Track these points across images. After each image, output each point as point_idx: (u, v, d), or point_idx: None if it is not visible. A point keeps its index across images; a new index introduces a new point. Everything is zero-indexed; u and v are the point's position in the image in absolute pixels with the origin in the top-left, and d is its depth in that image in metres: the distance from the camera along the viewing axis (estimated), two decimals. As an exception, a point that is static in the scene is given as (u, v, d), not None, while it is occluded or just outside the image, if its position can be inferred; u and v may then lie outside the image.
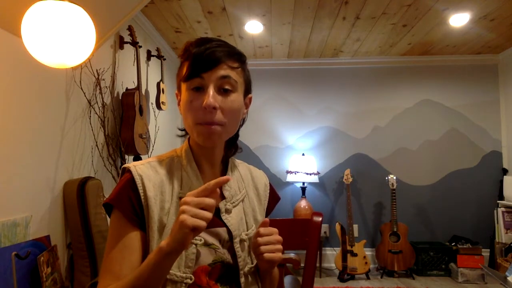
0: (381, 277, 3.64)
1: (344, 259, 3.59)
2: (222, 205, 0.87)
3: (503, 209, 3.63)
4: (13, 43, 1.57)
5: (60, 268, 1.78)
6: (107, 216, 0.89)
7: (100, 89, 2.29)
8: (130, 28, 2.59)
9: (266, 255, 0.80)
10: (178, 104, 0.89)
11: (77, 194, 1.90)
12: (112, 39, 2.53)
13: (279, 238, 0.85)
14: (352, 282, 3.51)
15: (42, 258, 1.60)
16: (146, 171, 0.82)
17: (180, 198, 0.81)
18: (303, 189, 3.86)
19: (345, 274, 3.56)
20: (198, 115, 0.80)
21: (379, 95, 4.15)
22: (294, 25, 3.22)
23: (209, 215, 0.69)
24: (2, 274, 1.41)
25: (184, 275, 0.77)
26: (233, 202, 0.89)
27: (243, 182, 0.96)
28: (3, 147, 1.54)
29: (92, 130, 2.24)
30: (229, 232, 0.86)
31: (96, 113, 2.27)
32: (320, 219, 1.28)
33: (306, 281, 1.22)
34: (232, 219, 0.87)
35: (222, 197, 0.89)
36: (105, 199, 0.82)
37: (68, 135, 2.01)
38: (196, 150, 0.89)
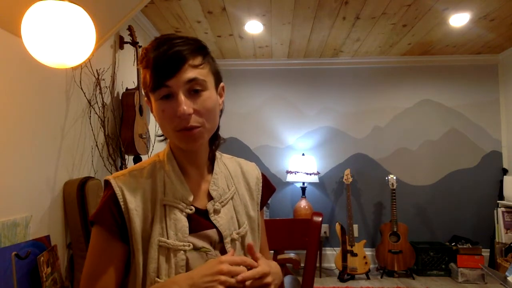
0: (381, 277, 3.64)
1: (344, 259, 3.59)
2: (210, 206, 0.86)
3: (503, 209, 3.63)
4: (13, 43, 1.57)
5: (60, 268, 1.78)
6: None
7: (100, 89, 2.29)
8: (130, 28, 2.59)
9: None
10: (151, 111, 0.85)
11: (77, 194, 1.90)
12: (112, 39, 2.53)
13: (268, 280, 0.81)
14: (352, 282, 3.51)
15: (42, 258, 1.60)
16: (127, 181, 0.81)
17: (164, 205, 0.80)
18: (303, 189, 3.86)
19: (345, 274, 3.56)
20: (174, 123, 0.77)
21: (379, 95, 4.15)
22: (294, 25, 3.22)
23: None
24: (2, 274, 1.41)
25: None
26: (222, 202, 0.87)
27: (232, 178, 0.94)
28: (3, 147, 1.54)
29: (92, 130, 2.24)
30: (220, 232, 0.84)
31: (96, 113, 2.27)
32: (320, 219, 1.28)
33: (306, 281, 1.22)
34: (221, 219, 0.85)
35: (210, 197, 0.87)
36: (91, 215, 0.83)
37: (68, 135, 2.01)
38: (179, 153, 0.87)
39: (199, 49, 0.81)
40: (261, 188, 0.99)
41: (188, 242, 0.79)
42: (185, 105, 0.76)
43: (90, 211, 1.89)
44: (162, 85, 0.76)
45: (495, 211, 3.70)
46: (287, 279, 1.87)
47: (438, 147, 4.07)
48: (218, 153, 0.95)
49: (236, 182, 0.94)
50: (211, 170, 0.91)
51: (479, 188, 3.98)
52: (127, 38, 2.64)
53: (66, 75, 2.00)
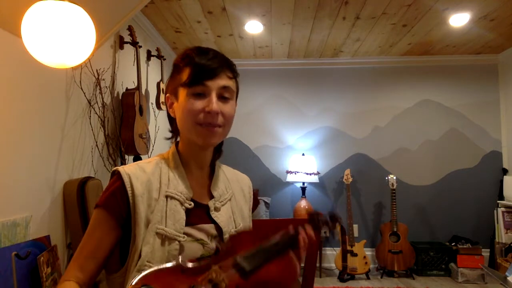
0: (381, 277, 3.64)
1: (344, 259, 3.59)
2: (211, 203, 0.92)
3: (503, 209, 3.63)
4: (13, 43, 1.57)
5: (60, 268, 1.78)
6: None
7: (100, 89, 2.29)
8: (130, 28, 2.59)
9: (301, 244, 0.84)
10: (170, 107, 0.94)
11: (77, 194, 1.90)
12: (112, 39, 2.53)
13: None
14: (352, 282, 3.51)
15: (42, 258, 1.60)
16: (134, 171, 0.87)
17: (167, 196, 0.86)
18: (303, 189, 3.86)
19: (345, 274, 3.56)
20: (198, 117, 0.86)
21: (379, 95, 4.15)
22: (294, 25, 3.22)
23: None
24: (2, 274, 1.41)
25: None
26: (222, 201, 0.95)
27: (230, 183, 1.02)
28: (3, 147, 1.54)
29: (92, 130, 2.24)
30: (218, 228, 0.90)
31: (96, 113, 2.27)
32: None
33: (306, 281, 1.22)
34: (221, 216, 0.92)
35: (210, 196, 0.94)
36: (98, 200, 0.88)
37: (68, 135, 2.01)
38: (186, 153, 0.94)
39: (234, 65, 0.96)
40: (252, 196, 1.08)
41: (184, 233, 0.84)
42: (216, 104, 0.86)
43: (90, 211, 1.89)
44: (200, 83, 0.86)
45: (495, 211, 3.69)
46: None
47: (438, 147, 4.07)
48: (217, 162, 1.04)
49: (233, 187, 1.02)
50: (211, 174, 0.99)
51: (479, 188, 3.98)
52: (127, 38, 2.64)
53: (66, 75, 2.00)
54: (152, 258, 0.80)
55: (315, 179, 3.84)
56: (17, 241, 1.57)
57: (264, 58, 4.15)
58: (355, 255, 3.60)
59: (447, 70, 4.12)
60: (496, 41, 3.63)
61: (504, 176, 3.82)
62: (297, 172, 3.81)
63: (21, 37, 1.26)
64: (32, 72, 1.71)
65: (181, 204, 0.87)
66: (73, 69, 2.03)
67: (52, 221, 1.86)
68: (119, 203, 0.83)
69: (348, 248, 3.62)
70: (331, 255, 3.99)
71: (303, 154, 3.99)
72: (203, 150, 0.95)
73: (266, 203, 3.83)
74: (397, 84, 4.16)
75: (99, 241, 0.83)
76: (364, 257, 3.62)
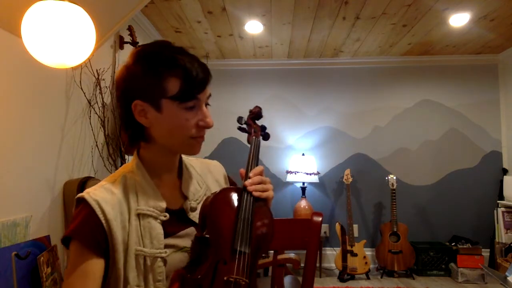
0: (381, 277, 3.64)
1: (344, 259, 3.59)
2: (186, 205, 0.89)
3: (503, 209, 3.63)
4: (13, 43, 1.57)
5: (60, 268, 1.78)
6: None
7: (100, 89, 2.29)
8: (130, 28, 2.59)
9: (256, 193, 0.86)
10: (141, 115, 0.82)
11: (77, 194, 1.90)
12: (112, 39, 2.53)
13: (266, 178, 0.92)
14: (352, 282, 3.51)
15: (42, 258, 1.60)
16: (102, 194, 0.80)
17: (138, 214, 0.81)
18: (303, 189, 3.86)
19: (345, 274, 3.56)
20: (193, 131, 0.83)
21: (379, 95, 4.15)
22: (294, 25, 3.22)
23: None
24: (2, 274, 1.41)
25: None
26: (197, 199, 0.91)
27: (202, 177, 0.98)
28: (3, 147, 1.54)
29: (92, 130, 2.24)
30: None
31: (96, 113, 2.27)
32: (320, 219, 1.28)
33: (306, 281, 1.22)
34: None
35: (184, 197, 0.90)
36: (65, 232, 0.81)
37: (68, 135, 2.01)
38: (156, 161, 0.88)
39: None
40: (228, 183, 1.05)
41: (165, 247, 0.81)
42: (210, 117, 0.84)
43: (90, 211, 1.89)
44: (194, 97, 0.81)
45: (495, 211, 3.69)
46: (287, 279, 1.87)
47: (438, 147, 4.07)
48: (183, 159, 0.99)
49: (206, 180, 0.98)
50: (180, 173, 0.95)
51: (479, 188, 3.98)
52: (127, 38, 2.64)
53: (66, 75, 2.00)
54: (140, 281, 0.78)
55: (315, 179, 3.84)
56: (17, 241, 1.57)
57: (264, 58, 4.15)
58: (355, 255, 3.60)
59: (447, 70, 4.12)
60: (496, 41, 3.63)
61: (504, 176, 3.82)
62: (297, 172, 3.81)
63: (21, 37, 1.26)
64: (32, 72, 1.71)
65: (155, 218, 0.82)
66: (73, 69, 2.03)
67: (52, 221, 1.86)
68: (94, 232, 0.77)
69: (348, 248, 3.62)
70: (331, 255, 3.99)
71: (303, 154, 3.99)
72: (177, 155, 0.92)
73: (266, 203, 3.82)
74: (397, 84, 4.16)
75: (86, 278, 0.76)
76: (364, 257, 3.62)
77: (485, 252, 3.73)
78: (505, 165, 3.97)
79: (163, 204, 0.84)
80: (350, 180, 3.83)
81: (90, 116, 2.21)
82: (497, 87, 4.07)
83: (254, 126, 1.06)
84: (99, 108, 2.29)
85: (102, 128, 2.31)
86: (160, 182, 0.88)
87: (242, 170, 0.94)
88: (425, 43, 3.70)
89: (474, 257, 3.48)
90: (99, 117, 2.29)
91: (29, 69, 1.68)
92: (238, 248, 0.80)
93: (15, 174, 1.61)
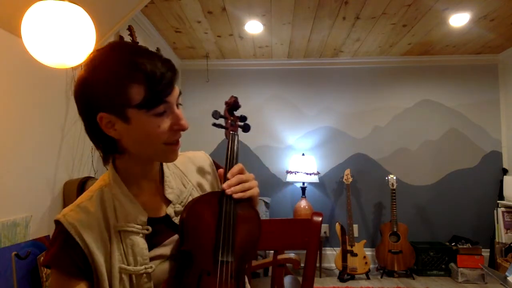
0: (381, 277, 3.63)
1: (344, 259, 3.59)
2: (170, 210, 0.84)
3: (503, 209, 3.63)
4: (13, 43, 1.57)
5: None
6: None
7: (100, 89, 2.29)
8: (130, 28, 2.58)
9: (236, 195, 0.82)
10: (108, 127, 0.76)
11: (77, 194, 1.90)
12: (112, 39, 2.53)
13: (248, 175, 0.87)
14: (352, 282, 3.51)
15: (42, 258, 1.60)
16: (77, 216, 0.76)
17: (119, 231, 0.77)
18: (303, 189, 3.86)
19: (345, 274, 3.56)
20: (165, 136, 0.76)
21: (379, 95, 4.15)
22: (294, 25, 3.22)
23: None
24: (2, 274, 1.41)
25: None
26: (182, 202, 0.87)
27: (186, 176, 0.92)
28: (3, 147, 1.54)
29: (92, 130, 2.23)
30: None
31: (96, 113, 2.27)
32: (320, 219, 1.28)
33: (306, 281, 1.22)
34: None
35: (167, 201, 0.85)
36: (44, 258, 0.78)
37: (68, 135, 2.01)
38: (133, 171, 0.83)
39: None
40: (217, 174, 0.98)
41: (150, 263, 0.78)
42: (184, 118, 0.77)
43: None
44: (162, 101, 0.73)
45: (495, 211, 3.69)
46: (287, 279, 1.87)
47: (438, 147, 4.07)
48: None
49: (190, 177, 0.93)
50: (161, 176, 0.88)
51: (479, 188, 3.98)
52: (127, 38, 2.63)
53: (66, 75, 2.00)
54: None
55: (315, 179, 3.84)
56: (17, 241, 1.57)
57: (264, 58, 4.15)
58: (355, 255, 3.60)
59: (447, 70, 4.12)
60: (496, 41, 3.63)
61: (504, 176, 3.82)
62: (297, 172, 3.81)
63: (21, 37, 1.26)
64: (32, 72, 1.71)
65: (137, 234, 0.78)
66: (73, 69, 2.03)
67: (52, 221, 1.86)
68: (72, 257, 0.73)
69: (348, 248, 3.62)
70: (331, 255, 3.99)
71: (303, 154, 3.99)
72: (151, 164, 0.85)
73: (266, 203, 3.83)
74: (397, 84, 4.16)
75: None
76: (364, 257, 3.62)
77: (485, 252, 3.73)
78: (505, 165, 3.97)
79: (144, 217, 0.80)
80: (350, 180, 3.83)
81: (90, 116, 2.21)
82: (497, 87, 4.07)
83: (230, 119, 0.98)
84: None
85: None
86: (139, 191, 0.83)
87: (221, 171, 0.90)
88: (425, 43, 3.70)
89: (474, 257, 3.48)
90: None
91: (29, 69, 1.68)
92: (220, 258, 0.78)
93: (15, 174, 1.61)
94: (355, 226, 3.99)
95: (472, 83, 4.09)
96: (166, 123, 0.75)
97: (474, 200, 3.98)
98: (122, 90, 0.71)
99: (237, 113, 1.01)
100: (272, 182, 4.10)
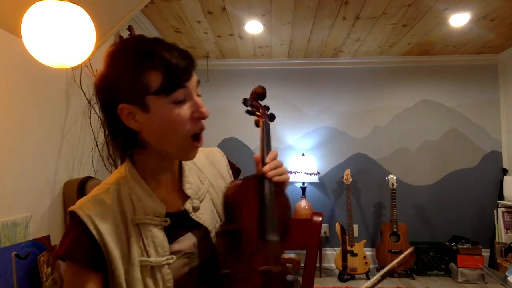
0: (381, 277, 3.63)
1: (344, 259, 3.59)
2: (188, 205, 0.84)
3: (503, 209, 3.63)
4: (13, 43, 1.57)
5: (60, 268, 1.78)
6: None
7: (100, 89, 2.29)
8: (130, 28, 2.58)
9: (275, 178, 0.86)
10: (129, 118, 0.75)
11: (77, 194, 1.90)
12: (112, 39, 2.53)
13: (281, 162, 0.91)
14: (352, 282, 3.51)
15: (42, 258, 1.60)
16: (93, 207, 0.75)
17: (137, 224, 0.76)
18: (303, 189, 3.86)
19: (345, 274, 3.56)
20: (186, 126, 0.76)
21: (379, 95, 4.15)
22: (294, 25, 3.22)
23: None
24: (2, 274, 1.41)
25: None
26: (199, 198, 0.86)
27: (203, 172, 0.92)
28: (3, 147, 1.54)
29: (92, 130, 2.24)
30: (203, 229, 0.84)
31: (96, 113, 2.27)
32: (320, 219, 1.28)
33: (306, 281, 1.22)
34: (203, 215, 0.84)
35: (185, 197, 0.85)
36: (57, 250, 0.76)
37: (68, 135, 2.01)
38: (151, 166, 0.81)
39: None
40: (231, 173, 1.01)
41: (170, 255, 0.77)
42: (204, 106, 0.77)
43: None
44: (181, 86, 0.73)
45: (495, 211, 3.69)
46: (287, 279, 1.87)
47: (438, 147, 4.07)
48: None
49: (207, 175, 0.93)
50: (180, 171, 0.88)
51: (479, 188, 3.98)
52: (127, 38, 2.64)
53: (66, 75, 2.00)
54: None
55: (315, 179, 3.84)
56: (17, 241, 1.57)
57: (264, 58, 4.15)
58: (355, 255, 3.60)
59: (447, 70, 4.12)
60: (496, 41, 3.63)
61: (504, 176, 3.82)
62: (297, 172, 3.81)
63: (21, 37, 1.26)
64: (32, 72, 1.71)
65: (156, 226, 0.77)
66: (73, 69, 2.03)
67: (52, 221, 1.86)
68: (88, 248, 0.72)
69: (348, 248, 3.62)
70: (331, 255, 3.99)
71: (303, 154, 3.99)
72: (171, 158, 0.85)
73: (266, 203, 3.83)
74: (397, 84, 4.16)
75: None
76: (364, 257, 3.62)
77: (485, 252, 3.73)
78: (505, 165, 3.97)
79: (162, 210, 0.79)
80: (350, 180, 3.83)
81: (90, 116, 2.21)
82: (497, 87, 4.07)
83: (261, 108, 1.01)
84: (99, 108, 2.29)
85: (102, 128, 2.31)
86: (157, 185, 0.82)
87: (257, 156, 0.92)
88: (425, 43, 3.70)
89: (474, 257, 3.48)
90: (99, 117, 2.29)
91: (29, 69, 1.68)
92: (269, 238, 0.81)
93: (15, 174, 1.61)
94: (355, 226, 3.99)
95: (472, 83, 4.09)
96: (186, 112, 0.75)
97: (474, 200, 3.98)
98: (140, 77, 0.72)
99: (262, 103, 1.04)
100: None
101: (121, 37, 2.62)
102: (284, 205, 0.89)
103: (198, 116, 0.77)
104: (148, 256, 0.75)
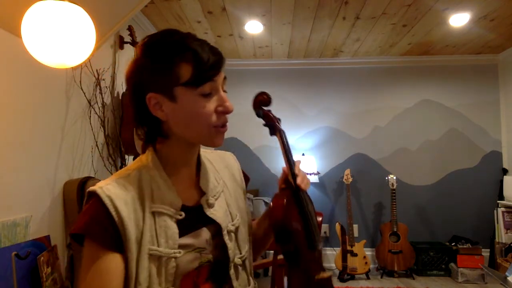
0: (381, 277, 3.63)
1: (344, 259, 3.59)
2: (203, 200, 0.85)
3: (503, 209, 3.63)
4: (13, 43, 1.57)
5: (60, 268, 1.78)
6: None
7: (100, 89, 2.29)
8: (130, 28, 2.58)
9: (304, 187, 0.93)
10: (156, 108, 0.78)
11: (77, 194, 1.90)
12: (112, 39, 2.53)
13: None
14: (352, 282, 3.51)
15: (42, 258, 1.60)
16: (115, 190, 0.75)
17: (153, 212, 0.77)
18: (303, 189, 3.86)
19: (345, 274, 3.56)
20: (211, 119, 0.78)
21: (379, 95, 4.15)
22: (294, 25, 3.22)
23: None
24: (2, 274, 1.41)
25: None
26: (215, 195, 0.87)
27: (218, 172, 0.94)
28: (3, 147, 1.54)
29: (92, 130, 2.24)
30: (216, 226, 0.84)
31: (96, 113, 2.27)
32: (320, 219, 1.28)
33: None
34: (217, 212, 0.85)
35: (202, 193, 0.86)
36: (74, 226, 0.75)
37: (68, 135, 2.01)
38: (174, 155, 0.83)
39: None
40: (243, 177, 1.02)
41: (179, 247, 0.78)
42: (229, 102, 0.80)
43: (90, 211, 1.89)
44: (209, 79, 0.76)
45: (495, 211, 3.69)
46: (287, 279, 1.87)
47: (438, 147, 4.07)
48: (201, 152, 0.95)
49: (223, 176, 0.95)
50: (198, 167, 0.90)
51: (479, 188, 3.98)
52: (127, 38, 2.64)
53: (66, 75, 2.00)
54: (151, 282, 0.74)
55: (315, 179, 3.84)
56: (17, 241, 1.57)
57: (264, 58, 4.15)
58: (355, 255, 3.60)
59: (447, 70, 4.12)
60: (496, 41, 3.63)
61: (504, 176, 3.82)
62: (297, 172, 3.81)
63: (21, 37, 1.26)
64: (32, 72, 1.71)
65: (171, 217, 0.78)
66: (73, 69, 2.03)
67: (52, 221, 1.86)
68: (107, 228, 0.72)
69: (348, 248, 3.62)
70: (331, 255, 3.99)
71: (303, 154, 3.99)
72: (196, 148, 0.87)
73: (266, 203, 3.83)
74: (397, 84, 4.16)
75: (104, 276, 0.71)
76: (364, 257, 3.62)
77: (485, 252, 3.73)
78: (505, 165, 3.97)
79: (179, 203, 0.81)
80: (350, 180, 3.83)
81: (90, 116, 2.21)
82: (497, 87, 4.08)
83: (274, 117, 0.99)
84: (99, 108, 2.29)
85: (102, 128, 2.31)
86: (176, 178, 0.84)
87: (285, 168, 0.97)
88: (425, 43, 3.70)
89: (474, 257, 3.48)
90: (99, 117, 2.29)
91: (29, 69, 1.68)
92: (317, 245, 0.88)
93: (15, 174, 1.61)
94: (355, 226, 3.99)
95: (472, 83, 4.09)
96: (211, 104, 0.78)
97: (474, 200, 3.98)
98: (171, 68, 0.75)
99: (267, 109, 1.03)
100: (272, 182, 4.10)
101: (121, 37, 2.63)
102: (316, 214, 0.94)
103: (222, 110, 0.79)
104: (158, 246, 0.76)
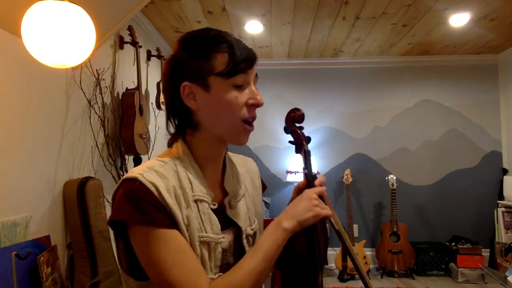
0: (381, 277, 3.64)
1: (344, 259, 3.59)
2: (226, 201, 0.85)
3: (503, 209, 3.63)
4: (13, 43, 1.57)
5: (60, 268, 1.78)
6: (107, 217, 0.86)
7: (100, 89, 2.29)
8: (130, 28, 2.58)
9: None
10: (189, 97, 0.79)
11: (77, 194, 1.90)
12: (112, 39, 2.53)
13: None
14: (352, 282, 3.51)
15: (42, 258, 1.60)
16: (155, 178, 0.74)
17: (196, 201, 0.77)
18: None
19: (345, 274, 3.56)
20: (243, 111, 0.80)
21: (379, 95, 4.15)
22: (294, 25, 3.22)
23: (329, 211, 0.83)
24: (2, 274, 1.41)
25: (215, 276, 0.76)
26: (237, 198, 0.87)
27: (241, 177, 0.94)
28: (3, 147, 1.54)
29: (92, 130, 2.24)
30: (236, 228, 0.84)
31: (96, 113, 2.27)
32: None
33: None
34: (239, 215, 0.85)
35: (224, 193, 0.86)
36: (111, 217, 0.73)
37: (68, 135, 2.01)
38: (203, 149, 0.83)
39: None
40: (261, 185, 1.02)
41: (222, 235, 0.79)
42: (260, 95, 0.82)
43: (90, 211, 1.89)
44: (242, 71, 0.78)
45: (495, 211, 3.69)
46: None
47: (438, 147, 4.07)
48: (227, 154, 0.95)
49: (244, 180, 0.94)
50: (223, 169, 0.90)
51: (479, 188, 3.98)
52: (127, 38, 2.64)
53: (66, 75, 2.00)
54: (204, 268, 0.74)
55: (315, 179, 3.83)
56: (17, 241, 1.56)
57: (264, 58, 4.15)
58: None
59: (447, 70, 4.12)
60: (496, 41, 3.63)
61: (504, 176, 3.82)
62: (297, 172, 3.81)
63: (21, 37, 1.26)
64: (32, 72, 1.71)
65: (209, 205, 0.79)
66: (73, 69, 2.03)
67: (52, 221, 1.86)
68: (163, 211, 0.72)
69: (348, 248, 3.62)
70: (331, 255, 3.99)
71: (303, 154, 3.99)
72: (223, 146, 0.87)
73: (266, 203, 3.83)
74: (397, 84, 4.16)
75: (186, 249, 0.72)
76: (364, 257, 3.62)
77: (485, 252, 3.73)
78: (505, 165, 3.98)
79: (211, 196, 0.81)
80: (350, 180, 3.83)
81: (90, 116, 2.21)
82: (497, 87, 4.08)
83: (301, 135, 0.99)
84: (99, 108, 2.29)
85: (102, 128, 2.31)
86: (204, 173, 0.83)
87: (299, 186, 0.96)
88: (425, 43, 3.70)
89: (474, 257, 3.48)
90: (99, 117, 2.29)
91: (29, 69, 1.68)
92: (323, 265, 0.91)
93: (15, 174, 1.61)
94: (355, 226, 3.99)
95: (472, 83, 4.10)
96: (243, 97, 0.80)
97: (474, 200, 3.98)
98: (207, 59, 0.78)
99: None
100: (272, 182, 4.10)
101: (121, 37, 2.62)
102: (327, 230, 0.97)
103: (253, 103, 0.81)
104: (206, 232, 0.76)
